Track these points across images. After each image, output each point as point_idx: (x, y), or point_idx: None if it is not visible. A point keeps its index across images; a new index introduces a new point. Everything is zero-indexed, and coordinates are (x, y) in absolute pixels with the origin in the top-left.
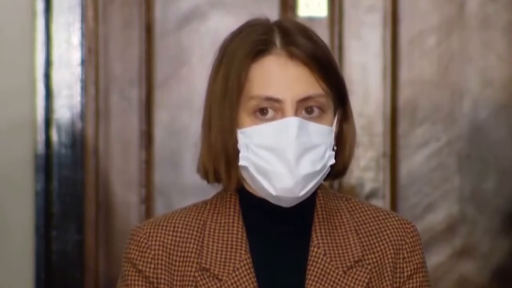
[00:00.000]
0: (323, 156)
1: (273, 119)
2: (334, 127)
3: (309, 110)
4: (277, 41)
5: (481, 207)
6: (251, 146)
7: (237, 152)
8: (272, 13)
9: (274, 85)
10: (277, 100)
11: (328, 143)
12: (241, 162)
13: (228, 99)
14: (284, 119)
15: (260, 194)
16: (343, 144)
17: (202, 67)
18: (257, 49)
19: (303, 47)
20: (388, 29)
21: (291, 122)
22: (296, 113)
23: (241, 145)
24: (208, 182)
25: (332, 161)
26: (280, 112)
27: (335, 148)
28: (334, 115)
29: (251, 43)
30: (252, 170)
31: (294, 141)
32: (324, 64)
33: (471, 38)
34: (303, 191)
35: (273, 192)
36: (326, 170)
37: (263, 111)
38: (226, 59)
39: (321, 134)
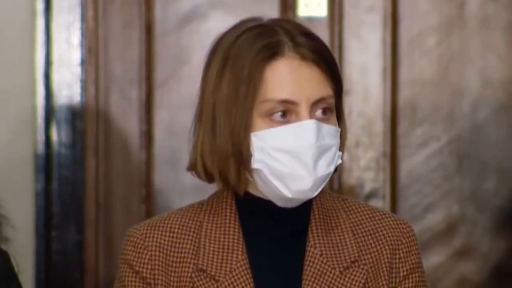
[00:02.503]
0: (334, 157)
1: (287, 121)
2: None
3: (321, 112)
4: (287, 43)
5: (481, 207)
6: (267, 148)
7: (248, 155)
8: (272, 13)
9: (289, 88)
10: (292, 103)
11: (337, 143)
12: (255, 165)
13: (240, 104)
14: (302, 122)
15: (269, 196)
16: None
17: (202, 67)
18: (269, 52)
19: (312, 48)
20: (388, 29)
21: (310, 126)
22: (310, 115)
23: (254, 148)
24: (206, 181)
25: (340, 161)
26: (294, 114)
27: None
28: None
29: (261, 47)
30: (266, 172)
31: (313, 144)
32: (331, 63)
33: (471, 38)
34: (316, 192)
35: (288, 195)
36: None
37: (278, 113)
38: (232, 64)
39: (332, 135)
